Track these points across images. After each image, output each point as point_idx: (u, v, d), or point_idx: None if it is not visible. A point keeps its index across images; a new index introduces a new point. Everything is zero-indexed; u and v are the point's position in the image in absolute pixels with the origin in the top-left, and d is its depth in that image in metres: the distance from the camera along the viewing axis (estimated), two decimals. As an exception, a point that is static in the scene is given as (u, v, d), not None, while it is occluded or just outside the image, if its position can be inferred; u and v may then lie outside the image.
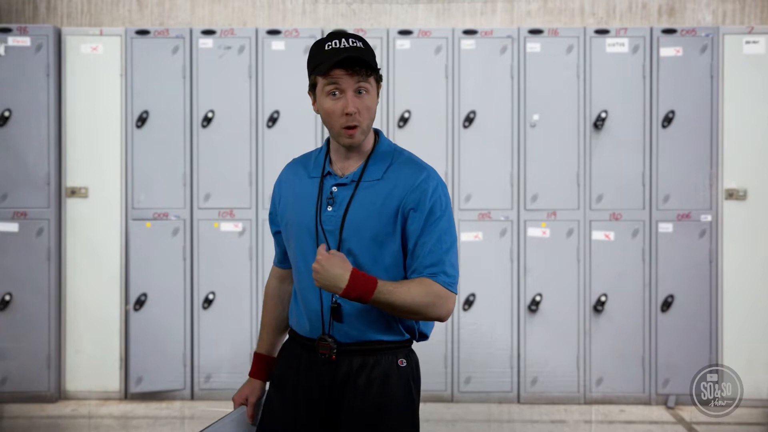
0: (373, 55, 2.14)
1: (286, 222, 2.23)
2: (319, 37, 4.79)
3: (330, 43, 2.09)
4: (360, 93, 2.09)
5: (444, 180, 4.89)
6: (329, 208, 2.14)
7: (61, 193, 4.88)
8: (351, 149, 2.15)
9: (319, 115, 2.24)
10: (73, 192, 4.89)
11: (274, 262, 2.40)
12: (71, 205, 4.89)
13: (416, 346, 2.24)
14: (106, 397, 4.89)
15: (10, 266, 4.81)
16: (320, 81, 2.10)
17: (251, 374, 2.36)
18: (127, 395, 4.88)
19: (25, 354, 4.81)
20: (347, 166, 2.17)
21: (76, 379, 4.90)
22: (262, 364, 2.36)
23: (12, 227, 4.81)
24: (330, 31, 4.80)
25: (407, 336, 2.19)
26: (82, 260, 4.89)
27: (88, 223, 4.89)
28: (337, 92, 2.08)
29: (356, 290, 2.02)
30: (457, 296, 2.14)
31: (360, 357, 2.13)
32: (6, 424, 4.62)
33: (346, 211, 2.12)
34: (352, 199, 2.13)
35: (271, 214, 2.33)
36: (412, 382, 2.18)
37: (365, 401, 2.11)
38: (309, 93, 2.16)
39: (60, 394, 4.88)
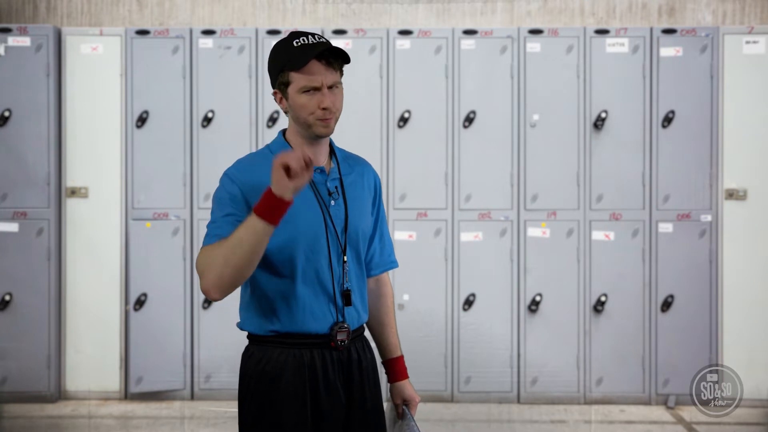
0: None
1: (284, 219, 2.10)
2: (319, 37, 4.82)
3: (298, 40, 2.06)
4: (332, 88, 2.07)
5: (444, 180, 4.93)
6: (332, 203, 2.15)
7: (61, 193, 4.88)
8: (317, 143, 2.12)
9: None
10: (73, 192, 4.88)
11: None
12: (71, 205, 4.89)
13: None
14: (106, 397, 4.89)
15: (10, 266, 4.81)
16: (295, 77, 2.05)
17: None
18: (127, 395, 4.88)
19: (25, 354, 4.81)
20: (318, 161, 2.15)
21: (76, 379, 4.90)
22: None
23: (12, 227, 4.81)
24: (330, 31, 4.85)
25: None
26: (82, 260, 4.89)
27: (88, 223, 4.89)
28: (311, 89, 2.05)
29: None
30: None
31: (359, 341, 2.20)
32: (6, 424, 4.62)
33: (345, 202, 2.16)
34: (344, 192, 2.16)
35: (233, 197, 2.05)
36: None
37: (371, 381, 2.20)
38: (274, 92, 2.12)
39: (60, 394, 4.88)
